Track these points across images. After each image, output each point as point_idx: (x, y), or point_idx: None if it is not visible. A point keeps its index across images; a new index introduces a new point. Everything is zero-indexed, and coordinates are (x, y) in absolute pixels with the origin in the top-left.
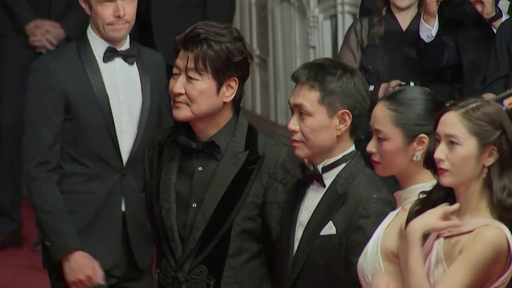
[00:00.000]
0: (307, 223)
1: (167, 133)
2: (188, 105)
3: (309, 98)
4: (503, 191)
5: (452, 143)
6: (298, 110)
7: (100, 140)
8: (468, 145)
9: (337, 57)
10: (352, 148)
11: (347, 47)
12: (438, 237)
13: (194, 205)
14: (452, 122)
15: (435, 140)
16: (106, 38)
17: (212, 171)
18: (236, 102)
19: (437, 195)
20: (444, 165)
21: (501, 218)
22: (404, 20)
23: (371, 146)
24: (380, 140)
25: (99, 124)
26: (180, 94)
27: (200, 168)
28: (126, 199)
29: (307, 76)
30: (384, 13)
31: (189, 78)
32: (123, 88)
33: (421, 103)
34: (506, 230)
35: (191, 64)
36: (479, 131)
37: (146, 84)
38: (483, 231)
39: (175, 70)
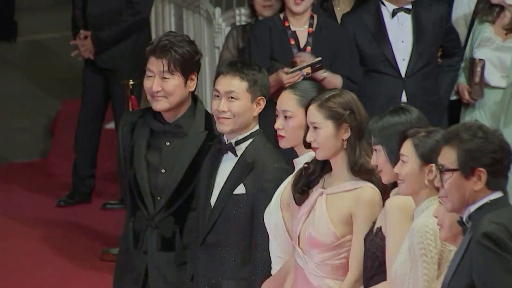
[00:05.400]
0: (224, 184)
1: (137, 114)
2: (166, 97)
3: (239, 86)
4: (356, 156)
5: (314, 128)
6: (228, 95)
7: None
8: (327, 128)
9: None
10: (257, 127)
11: (226, 48)
12: (322, 194)
13: (163, 171)
14: (311, 111)
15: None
16: None
17: (179, 145)
18: (193, 91)
19: (315, 165)
20: (314, 145)
21: (360, 178)
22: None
23: (279, 124)
24: (287, 118)
25: None
26: (158, 91)
27: (167, 143)
28: None
29: (237, 70)
30: (253, 22)
31: (163, 78)
32: None
33: (314, 91)
34: (375, 187)
35: (165, 68)
36: (333, 114)
37: None
38: (362, 194)
39: (149, 73)
